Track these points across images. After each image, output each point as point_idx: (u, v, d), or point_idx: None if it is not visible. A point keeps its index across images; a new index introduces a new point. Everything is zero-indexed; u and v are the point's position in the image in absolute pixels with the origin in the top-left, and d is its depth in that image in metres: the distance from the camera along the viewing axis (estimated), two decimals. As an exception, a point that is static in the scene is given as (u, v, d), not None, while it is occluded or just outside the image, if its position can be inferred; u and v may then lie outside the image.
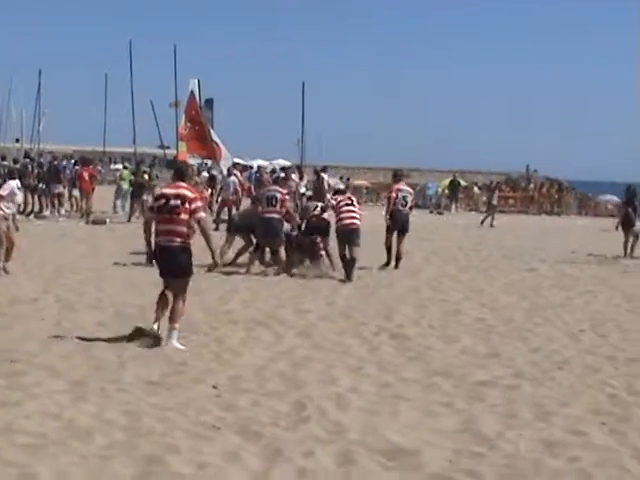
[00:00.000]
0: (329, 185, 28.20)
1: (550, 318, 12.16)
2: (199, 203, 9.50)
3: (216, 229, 20.88)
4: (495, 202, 34.79)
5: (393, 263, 17.10)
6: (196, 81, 26.30)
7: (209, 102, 58.36)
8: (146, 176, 27.81)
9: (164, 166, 52.03)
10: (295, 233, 16.21)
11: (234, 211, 23.43)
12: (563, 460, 6.18)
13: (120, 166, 42.48)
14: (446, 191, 46.19)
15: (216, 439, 6.35)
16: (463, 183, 48.86)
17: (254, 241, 16.15)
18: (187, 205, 9.25)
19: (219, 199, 27.77)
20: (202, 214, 9.56)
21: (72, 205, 29.01)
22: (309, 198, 18.17)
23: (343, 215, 15.81)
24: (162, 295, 9.53)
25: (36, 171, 28.71)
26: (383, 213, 18.07)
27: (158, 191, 10.00)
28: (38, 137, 61.31)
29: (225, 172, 26.72)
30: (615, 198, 46.20)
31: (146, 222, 9.70)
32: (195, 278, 9.81)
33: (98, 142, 73.53)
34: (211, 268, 10.07)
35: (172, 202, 9.30)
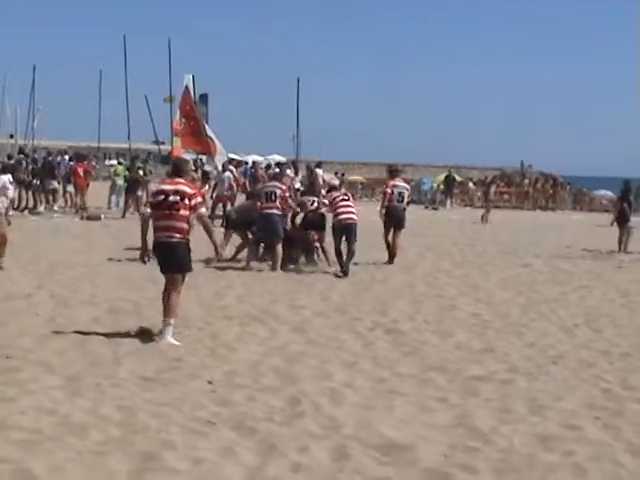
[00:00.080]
0: (324, 180, 28.18)
1: (545, 313, 12.18)
2: (199, 199, 9.55)
3: (211, 225, 20.83)
4: (492, 197, 34.79)
5: (387, 259, 17.11)
6: (191, 76, 26.31)
7: (204, 97, 58.26)
8: (141, 172, 27.77)
9: (159, 162, 51.97)
10: (288, 227, 16.21)
11: (229, 207, 23.42)
12: (557, 454, 6.20)
13: (115, 162, 42.44)
14: (441, 186, 46.22)
15: (211, 434, 6.36)
16: (458, 178, 48.88)
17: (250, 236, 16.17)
18: (187, 201, 9.28)
19: (214, 195, 27.74)
20: (203, 210, 9.67)
21: (66, 201, 28.98)
22: (302, 193, 18.15)
23: (340, 210, 15.83)
24: (165, 291, 9.55)
25: (30, 167, 28.69)
26: (378, 209, 18.08)
27: (156, 187, 9.97)
28: (32, 133, 61.10)
29: (220, 167, 26.68)
30: (610, 193, 46.31)
31: (144, 220, 9.65)
32: (191, 273, 9.81)
33: (93, 138, 73.42)
34: (214, 261, 10.15)
35: (171, 198, 9.30)
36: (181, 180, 9.52)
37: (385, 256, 17.14)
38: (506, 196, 48.22)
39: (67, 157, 35.43)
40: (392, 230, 17.25)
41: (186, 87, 25.84)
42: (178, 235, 9.29)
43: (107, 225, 24.16)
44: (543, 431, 6.72)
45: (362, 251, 16.38)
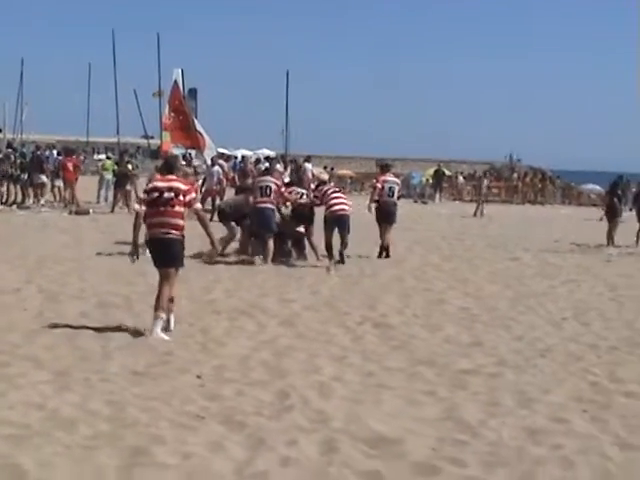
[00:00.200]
0: (313, 175, 28.18)
1: (533, 307, 12.22)
2: (193, 194, 9.67)
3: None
4: (485, 191, 34.81)
5: (376, 253, 17.15)
6: (180, 71, 26.22)
7: (193, 92, 58.24)
8: (130, 166, 27.70)
9: (148, 156, 51.87)
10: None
11: (218, 201, 23.40)
12: (546, 448, 6.22)
13: (103, 156, 42.34)
14: (430, 180, 46.26)
15: (200, 429, 6.36)
16: (447, 173, 48.93)
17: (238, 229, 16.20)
18: (181, 197, 9.35)
19: (203, 189, 27.69)
20: (198, 205, 9.82)
21: (55, 195, 28.88)
22: (289, 184, 18.13)
23: (332, 202, 15.89)
24: (159, 285, 9.57)
25: (19, 161, 28.59)
26: (367, 203, 18.12)
27: (149, 185, 9.98)
28: (21, 127, 61.08)
29: (209, 162, 26.64)
30: (598, 187, 46.46)
31: (137, 218, 9.62)
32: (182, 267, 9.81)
33: (81, 132, 73.36)
34: (213, 255, 10.21)
35: (166, 195, 9.35)
36: (173, 177, 9.57)
37: (368, 248, 17.16)
38: (495, 190, 48.31)
39: (55, 152, 35.36)
40: (383, 225, 17.33)
41: (175, 81, 25.75)
42: (174, 231, 9.35)
43: (96, 220, 24.09)
44: (531, 424, 6.74)
45: (351, 245, 16.37)
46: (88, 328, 9.50)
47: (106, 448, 5.85)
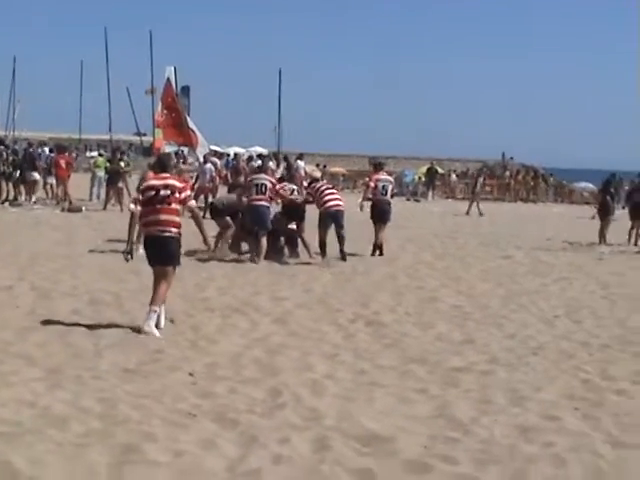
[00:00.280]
0: (305, 172, 28.17)
1: (525, 304, 12.24)
2: (188, 192, 9.77)
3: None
4: (479, 189, 34.84)
5: (370, 251, 17.17)
6: (172, 68, 26.14)
7: (185, 89, 58.13)
8: (122, 163, 27.65)
9: (140, 153, 51.77)
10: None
11: (210, 198, 23.37)
12: (537, 445, 6.22)
13: (95, 153, 42.25)
14: (423, 179, 46.30)
15: (192, 427, 6.35)
16: (440, 171, 48.98)
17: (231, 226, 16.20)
18: (177, 195, 9.39)
19: (195, 187, 27.66)
20: (193, 202, 9.88)
21: (47, 193, 28.82)
22: (280, 179, 18.11)
23: (327, 198, 15.94)
24: (155, 282, 9.56)
25: (11, 158, 28.52)
26: (359, 201, 18.16)
27: (144, 184, 10.00)
28: (13, 124, 60.95)
29: (201, 159, 26.62)
30: (590, 185, 46.57)
31: (132, 217, 9.61)
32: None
33: (74, 129, 73.10)
34: (208, 252, 10.25)
35: (162, 193, 9.38)
36: (167, 175, 9.60)
37: (360, 245, 17.19)
38: (488, 188, 48.36)
39: (47, 149, 35.26)
40: (378, 224, 17.37)
41: (168, 79, 25.66)
42: (170, 229, 9.37)
43: (88, 217, 24.05)
44: (523, 422, 6.75)
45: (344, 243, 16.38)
46: (80, 325, 9.48)
47: (97, 445, 5.84)
